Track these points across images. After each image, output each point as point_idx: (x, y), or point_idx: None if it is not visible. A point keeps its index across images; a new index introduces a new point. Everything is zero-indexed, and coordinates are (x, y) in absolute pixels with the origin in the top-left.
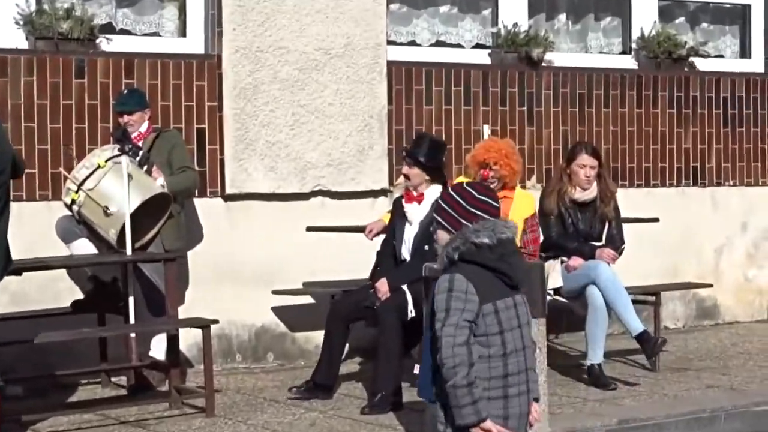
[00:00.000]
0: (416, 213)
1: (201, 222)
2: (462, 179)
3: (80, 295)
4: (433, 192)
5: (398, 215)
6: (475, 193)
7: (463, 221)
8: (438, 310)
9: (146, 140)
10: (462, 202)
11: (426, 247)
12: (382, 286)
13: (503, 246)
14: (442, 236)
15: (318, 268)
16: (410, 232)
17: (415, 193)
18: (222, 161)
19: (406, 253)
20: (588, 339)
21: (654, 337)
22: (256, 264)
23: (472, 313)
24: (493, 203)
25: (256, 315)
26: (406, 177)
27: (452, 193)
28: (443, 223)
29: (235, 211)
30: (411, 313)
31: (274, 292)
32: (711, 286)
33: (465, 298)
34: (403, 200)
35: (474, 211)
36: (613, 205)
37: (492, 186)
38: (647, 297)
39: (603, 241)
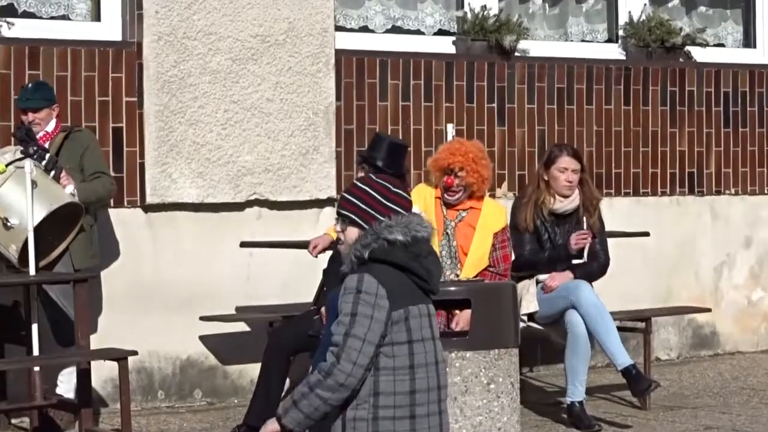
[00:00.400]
0: None
1: (117, 237)
2: (424, 187)
3: None
4: None
5: None
6: (391, 187)
7: (378, 217)
8: (342, 313)
9: (54, 141)
10: (378, 196)
11: None
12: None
13: (418, 245)
14: (351, 233)
15: (254, 291)
16: None
17: None
18: (142, 166)
19: None
20: (567, 373)
21: (645, 379)
22: (181, 286)
23: (381, 324)
24: (407, 196)
25: (181, 345)
26: None
27: (365, 186)
28: (356, 219)
29: (158, 223)
30: None
31: (203, 319)
32: (709, 310)
33: (374, 302)
34: None
35: (391, 206)
36: (597, 216)
37: (457, 196)
38: (636, 323)
39: (584, 258)
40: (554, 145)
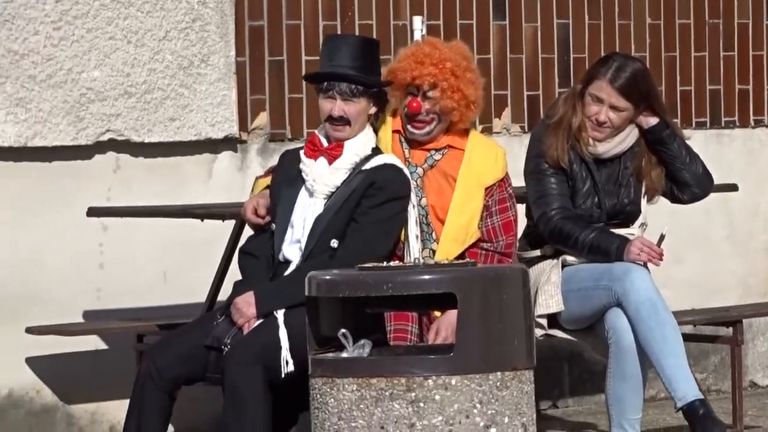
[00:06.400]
0: (326, 177)
1: None
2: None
3: None
4: (360, 139)
5: (285, 179)
6: None
7: None
8: None
9: None
10: None
11: (334, 243)
12: (246, 305)
13: None
14: None
15: (111, 286)
16: (308, 211)
17: (326, 143)
18: None
19: (290, 248)
20: (611, 408)
21: (719, 424)
22: None
23: None
24: None
25: None
26: (337, 121)
27: None
28: None
29: None
30: (287, 365)
31: (31, 331)
32: None
33: None
34: (302, 153)
35: None
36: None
37: (427, 128)
38: (718, 329)
39: (641, 221)
40: (609, 54)
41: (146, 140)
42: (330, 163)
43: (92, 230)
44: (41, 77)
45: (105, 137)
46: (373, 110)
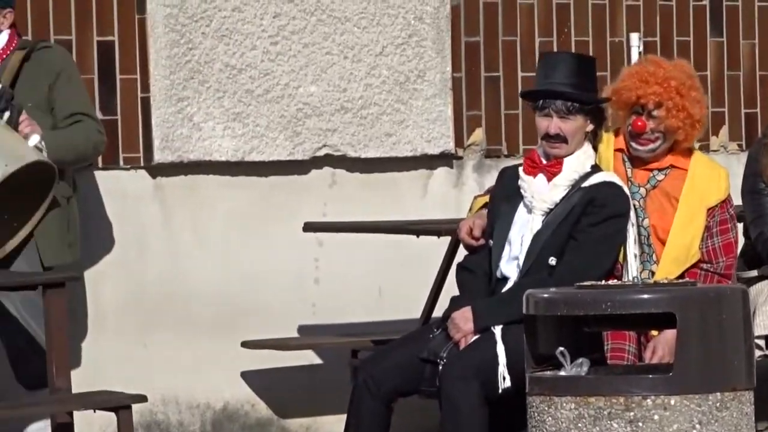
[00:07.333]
0: (545, 193)
1: (109, 216)
2: (606, 137)
3: None
4: (579, 157)
5: (504, 196)
6: None
7: None
8: None
9: (7, 63)
10: None
11: (552, 260)
12: (463, 320)
13: None
14: None
15: (327, 301)
16: (526, 227)
17: (545, 160)
18: (146, 103)
19: (508, 265)
20: None
21: None
22: (211, 293)
23: None
24: None
25: (213, 387)
26: (553, 138)
27: None
28: None
29: (172, 194)
30: (504, 381)
31: (247, 345)
32: None
33: None
34: (521, 170)
35: None
36: None
37: (651, 146)
38: None
39: None
40: None
41: (362, 155)
42: (549, 180)
43: (308, 245)
44: (258, 92)
45: (321, 152)
46: (590, 128)
